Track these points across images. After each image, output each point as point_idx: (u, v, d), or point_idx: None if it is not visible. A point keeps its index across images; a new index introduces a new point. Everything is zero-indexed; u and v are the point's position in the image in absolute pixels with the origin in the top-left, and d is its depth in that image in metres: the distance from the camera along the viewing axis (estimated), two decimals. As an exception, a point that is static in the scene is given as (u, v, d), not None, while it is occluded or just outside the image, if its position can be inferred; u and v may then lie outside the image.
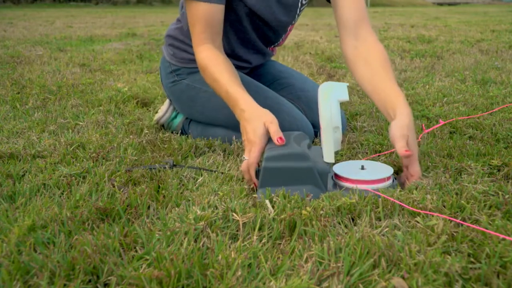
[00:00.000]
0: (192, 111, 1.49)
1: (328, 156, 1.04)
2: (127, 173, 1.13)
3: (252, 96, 1.14)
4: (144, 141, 1.39)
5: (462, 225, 0.84)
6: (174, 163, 1.20)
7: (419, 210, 0.89)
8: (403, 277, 0.70)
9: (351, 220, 0.89)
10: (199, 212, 0.89)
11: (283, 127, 1.08)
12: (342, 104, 1.91)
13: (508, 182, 1.05)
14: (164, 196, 1.01)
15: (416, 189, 0.99)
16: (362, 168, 1.06)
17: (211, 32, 1.22)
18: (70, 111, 1.81)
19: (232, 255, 0.76)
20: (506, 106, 1.73)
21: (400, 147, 0.99)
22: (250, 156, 1.04)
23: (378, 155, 1.26)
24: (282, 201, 0.93)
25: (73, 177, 1.11)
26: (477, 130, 1.46)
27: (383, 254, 0.74)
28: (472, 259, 0.74)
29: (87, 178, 1.11)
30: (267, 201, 0.94)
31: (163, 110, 1.59)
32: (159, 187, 1.07)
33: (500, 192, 0.96)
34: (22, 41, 4.79)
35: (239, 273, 0.71)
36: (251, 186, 1.06)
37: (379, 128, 1.54)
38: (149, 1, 34.49)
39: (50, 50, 3.99)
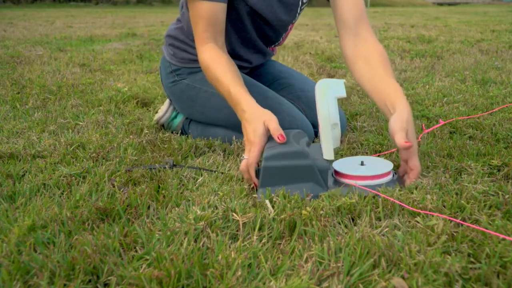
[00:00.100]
0: (192, 111, 1.49)
1: (328, 153, 1.04)
2: (127, 173, 1.13)
3: (252, 96, 1.14)
4: (144, 141, 1.39)
5: (462, 225, 0.84)
6: (174, 163, 1.20)
7: (419, 210, 0.89)
8: (403, 277, 0.70)
9: (351, 220, 0.89)
10: (199, 212, 0.89)
11: (283, 127, 1.08)
12: (342, 104, 1.91)
13: (508, 182, 1.05)
14: (164, 196, 1.01)
15: (416, 189, 0.99)
16: (362, 164, 1.06)
17: (214, 31, 1.22)
18: (70, 111, 1.81)
19: (232, 255, 0.76)
20: (506, 106, 1.73)
21: (399, 139, 0.99)
22: (250, 156, 1.04)
23: (378, 155, 1.26)
24: (282, 201, 0.93)
25: (73, 177, 1.11)
26: (477, 130, 1.46)
27: (383, 254, 0.74)
28: (472, 259, 0.74)
29: (87, 178, 1.11)
30: (267, 201, 0.94)
31: (163, 110, 1.59)
32: (159, 187, 1.07)
33: (500, 192, 0.96)
34: (22, 41, 4.79)
35: (239, 273, 0.71)
36: (251, 186, 1.06)
37: (379, 128, 1.54)
38: (149, 1, 34.50)
39: (50, 50, 3.99)
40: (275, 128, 1.04)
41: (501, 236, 0.77)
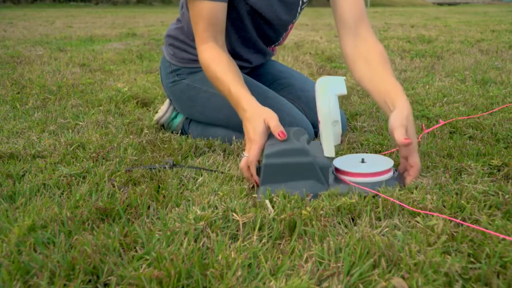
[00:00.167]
0: (192, 111, 1.49)
1: (328, 150, 1.04)
2: (127, 173, 1.13)
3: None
4: (144, 141, 1.39)
5: (462, 225, 0.84)
6: (174, 163, 1.20)
7: (419, 210, 0.89)
8: (403, 277, 0.70)
9: (351, 220, 0.89)
10: (199, 212, 0.89)
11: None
12: (342, 104, 1.91)
13: (508, 182, 1.05)
14: (164, 196, 1.01)
15: (416, 189, 0.99)
16: (362, 161, 1.06)
17: (214, 30, 1.22)
18: (70, 111, 1.81)
19: (232, 255, 0.76)
20: (506, 106, 1.73)
21: (399, 135, 0.99)
22: (250, 154, 1.04)
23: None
24: (282, 201, 0.93)
25: (73, 177, 1.12)
26: (477, 130, 1.46)
27: (383, 254, 0.74)
28: (472, 259, 0.74)
29: (87, 178, 1.11)
30: (267, 201, 0.94)
31: (163, 110, 1.59)
32: (159, 187, 1.07)
33: (500, 192, 0.96)
34: (22, 41, 4.79)
35: (239, 273, 0.71)
36: (251, 185, 1.06)
37: (379, 128, 1.54)
38: (149, 1, 34.49)
39: (50, 50, 3.99)
40: (276, 125, 1.04)
41: (501, 236, 0.77)
